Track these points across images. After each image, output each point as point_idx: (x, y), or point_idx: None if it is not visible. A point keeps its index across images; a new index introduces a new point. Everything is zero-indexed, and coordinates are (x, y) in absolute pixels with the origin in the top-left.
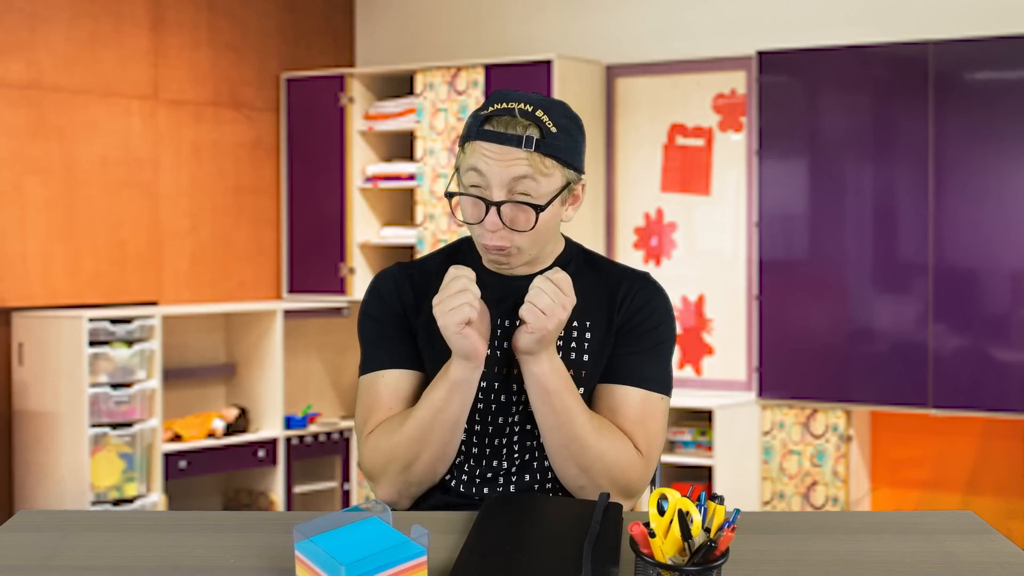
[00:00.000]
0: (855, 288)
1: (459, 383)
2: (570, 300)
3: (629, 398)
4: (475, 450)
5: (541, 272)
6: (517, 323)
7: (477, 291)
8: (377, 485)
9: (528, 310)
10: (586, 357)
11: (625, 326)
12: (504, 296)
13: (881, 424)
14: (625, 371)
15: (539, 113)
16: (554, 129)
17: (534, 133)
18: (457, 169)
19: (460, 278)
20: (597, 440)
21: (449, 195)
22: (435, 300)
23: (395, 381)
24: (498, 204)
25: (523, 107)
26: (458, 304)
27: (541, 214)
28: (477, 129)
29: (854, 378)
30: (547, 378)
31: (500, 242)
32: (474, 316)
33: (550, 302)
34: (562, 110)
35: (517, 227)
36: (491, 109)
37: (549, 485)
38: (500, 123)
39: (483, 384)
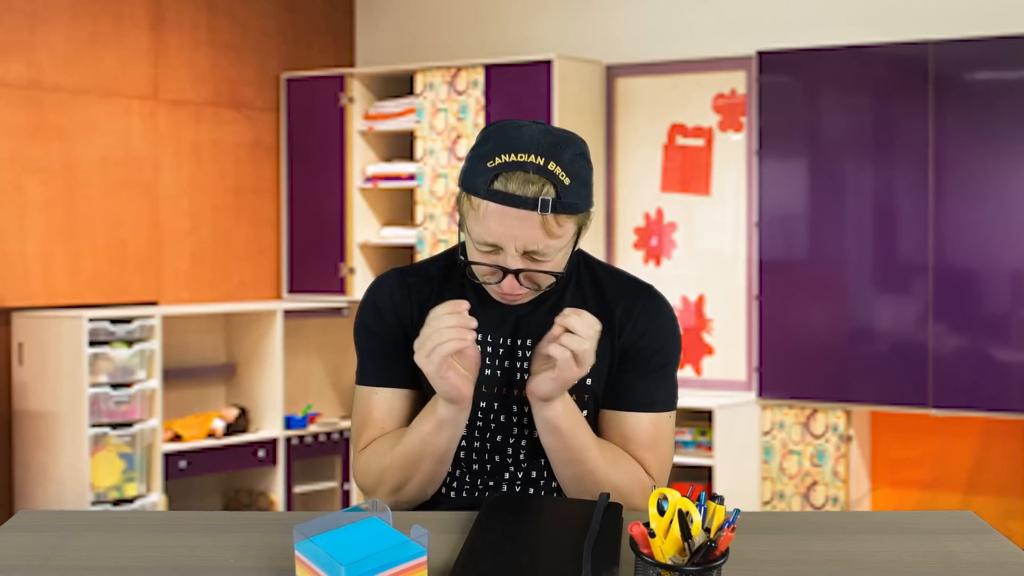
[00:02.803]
0: (855, 288)
1: (445, 421)
2: (594, 349)
3: (640, 425)
4: (475, 467)
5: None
6: (526, 363)
7: (458, 333)
8: (368, 498)
9: (564, 359)
10: (589, 381)
11: (631, 350)
12: (504, 315)
13: (881, 424)
14: (634, 398)
15: (551, 166)
16: (567, 181)
17: (549, 193)
18: (460, 222)
19: (439, 318)
20: (610, 472)
21: (465, 262)
22: (416, 345)
23: (388, 400)
24: (516, 272)
25: (534, 159)
26: (434, 346)
27: (559, 279)
28: (486, 188)
29: (854, 378)
30: (559, 419)
31: (518, 292)
32: (453, 349)
33: (591, 357)
34: (572, 149)
35: (535, 283)
36: (498, 161)
37: None
38: (512, 181)
39: (483, 404)
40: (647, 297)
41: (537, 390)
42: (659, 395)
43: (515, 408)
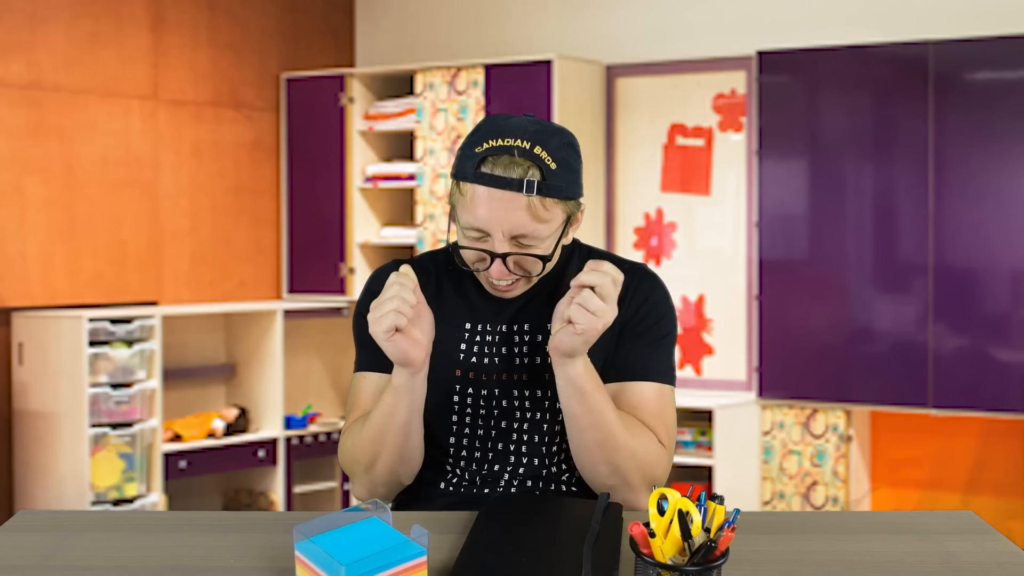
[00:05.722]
0: (855, 288)
1: (400, 389)
2: (615, 298)
3: (646, 393)
4: (478, 454)
5: (543, 277)
6: (548, 327)
7: (410, 298)
8: (352, 483)
9: (578, 312)
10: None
11: (629, 323)
12: (501, 303)
13: (881, 424)
14: (637, 367)
15: (537, 150)
16: (554, 165)
17: (535, 175)
18: (452, 207)
19: (393, 285)
20: (629, 438)
21: (454, 247)
22: (372, 304)
23: (376, 384)
24: (503, 256)
25: (520, 144)
26: (385, 311)
27: (545, 264)
28: (474, 171)
29: (854, 378)
30: (583, 379)
31: (508, 281)
32: (401, 323)
33: (601, 303)
34: (559, 138)
35: (523, 269)
36: (486, 146)
37: (552, 490)
38: (498, 164)
39: (484, 392)
40: (642, 274)
41: (560, 345)
42: (661, 366)
43: (516, 393)
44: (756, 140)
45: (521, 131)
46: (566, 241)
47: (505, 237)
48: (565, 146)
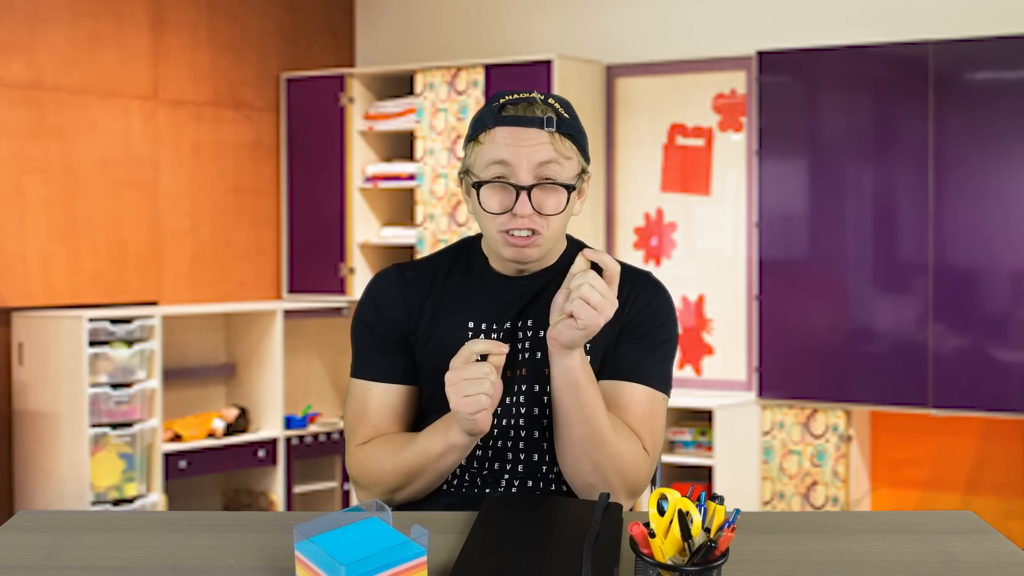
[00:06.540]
0: (855, 288)
1: (457, 447)
2: (615, 288)
3: (636, 395)
4: (479, 452)
5: (545, 270)
6: (548, 323)
7: (496, 379)
8: (360, 493)
9: (580, 307)
10: (588, 357)
11: (629, 325)
12: (509, 299)
13: (881, 424)
14: (631, 368)
15: (551, 101)
16: (567, 115)
17: (552, 115)
18: (467, 171)
19: (482, 364)
20: (615, 437)
21: (477, 185)
22: (449, 377)
23: (384, 396)
24: (528, 188)
25: (538, 96)
26: (475, 393)
27: (570, 195)
28: (495, 117)
29: (854, 378)
30: (578, 371)
31: (531, 225)
32: (487, 406)
33: (601, 298)
34: (569, 104)
35: (546, 211)
36: (504, 100)
37: (552, 488)
38: (519, 108)
39: None
40: (647, 279)
41: (561, 337)
42: (654, 371)
43: (516, 388)
44: (756, 140)
45: (536, 92)
46: (575, 212)
47: (529, 172)
48: (574, 112)
